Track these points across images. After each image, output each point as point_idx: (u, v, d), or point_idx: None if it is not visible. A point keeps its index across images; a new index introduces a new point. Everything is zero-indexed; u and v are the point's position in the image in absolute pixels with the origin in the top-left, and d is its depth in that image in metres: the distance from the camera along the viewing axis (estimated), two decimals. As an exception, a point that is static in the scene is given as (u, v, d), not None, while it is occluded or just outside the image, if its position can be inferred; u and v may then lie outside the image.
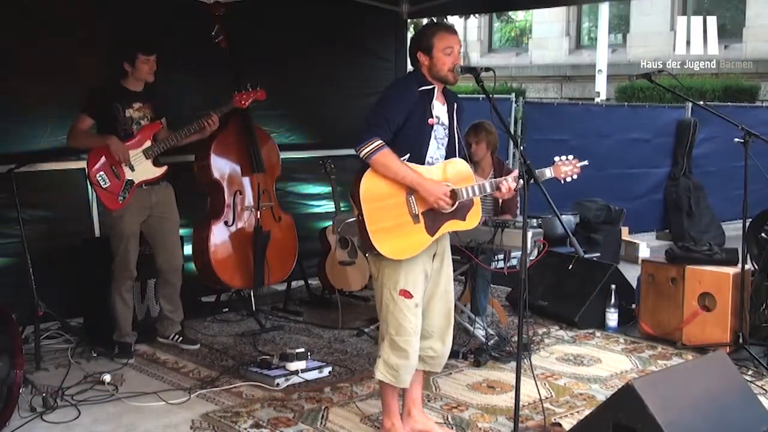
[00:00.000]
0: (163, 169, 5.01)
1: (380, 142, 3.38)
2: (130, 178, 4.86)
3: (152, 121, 4.99)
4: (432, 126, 3.56)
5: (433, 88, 3.59)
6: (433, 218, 3.52)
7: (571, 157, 3.76)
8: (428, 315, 3.68)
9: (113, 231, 4.95)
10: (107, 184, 4.82)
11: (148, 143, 4.93)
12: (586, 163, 3.80)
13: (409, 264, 3.52)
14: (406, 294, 3.54)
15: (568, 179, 3.76)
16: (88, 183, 4.85)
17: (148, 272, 5.18)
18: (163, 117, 5.08)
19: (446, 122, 3.65)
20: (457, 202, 3.54)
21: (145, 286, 5.29)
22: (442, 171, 3.57)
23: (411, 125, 3.50)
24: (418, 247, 3.51)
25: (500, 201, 5.34)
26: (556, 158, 3.75)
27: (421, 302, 3.60)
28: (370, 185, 3.44)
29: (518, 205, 5.45)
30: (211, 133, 5.18)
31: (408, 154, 3.50)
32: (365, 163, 3.43)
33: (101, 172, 4.81)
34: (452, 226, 3.61)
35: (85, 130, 4.89)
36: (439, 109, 3.63)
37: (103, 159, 4.82)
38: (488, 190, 3.64)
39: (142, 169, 4.90)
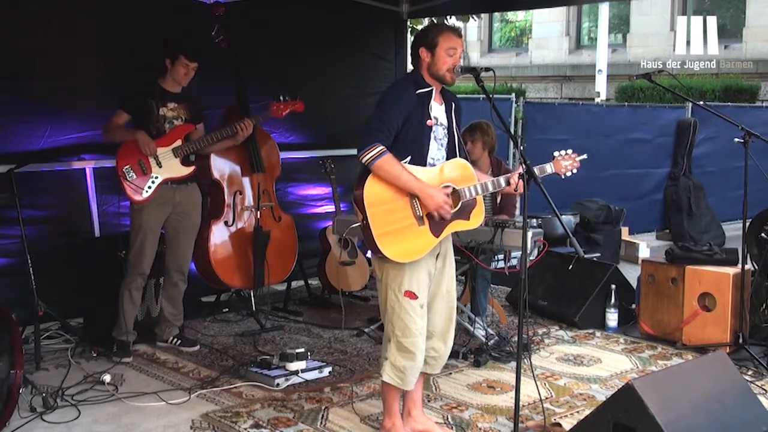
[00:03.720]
0: (191, 169, 5.03)
1: (382, 147, 3.38)
2: (156, 174, 4.88)
3: (187, 123, 5.02)
4: (431, 127, 3.56)
5: (431, 89, 3.59)
6: (437, 219, 3.52)
7: (570, 151, 3.80)
8: (430, 315, 3.67)
9: (132, 224, 4.98)
10: (133, 177, 4.84)
11: (178, 142, 4.96)
12: (585, 156, 3.83)
13: (413, 265, 3.52)
14: (411, 295, 3.53)
15: (568, 173, 3.80)
16: (117, 175, 4.89)
17: (150, 272, 5.17)
18: (200, 123, 5.13)
19: (445, 123, 3.65)
20: (460, 203, 3.55)
21: (146, 286, 5.29)
22: (439, 173, 3.55)
23: (410, 127, 3.49)
24: (424, 249, 3.51)
25: (498, 201, 5.34)
26: (556, 153, 3.79)
27: (425, 303, 3.60)
28: (373, 189, 3.43)
29: (516, 205, 5.46)
30: None
31: (409, 156, 3.49)
32: (366, 166, 3.42)
33: (128, 165, 4.84)
34: (457, 226, 3.60)
35: (120, 124, 4.93)
36: (437, 109, 3.62)
37: (131, 152, 4.85)
38: (490, 188, 3.64)
39: (169, 167, 4.92)
